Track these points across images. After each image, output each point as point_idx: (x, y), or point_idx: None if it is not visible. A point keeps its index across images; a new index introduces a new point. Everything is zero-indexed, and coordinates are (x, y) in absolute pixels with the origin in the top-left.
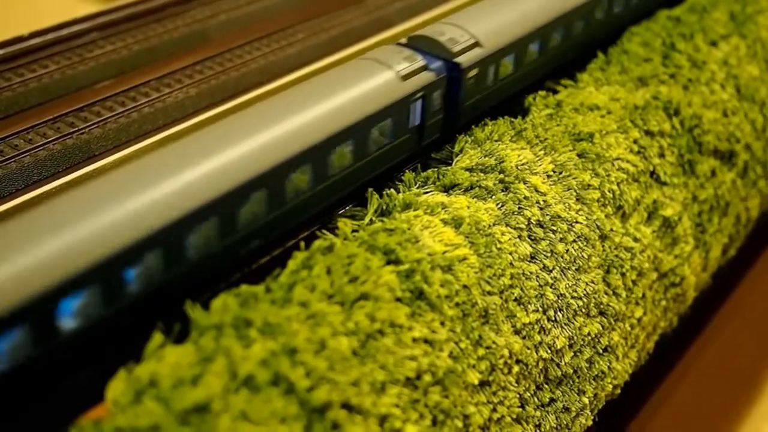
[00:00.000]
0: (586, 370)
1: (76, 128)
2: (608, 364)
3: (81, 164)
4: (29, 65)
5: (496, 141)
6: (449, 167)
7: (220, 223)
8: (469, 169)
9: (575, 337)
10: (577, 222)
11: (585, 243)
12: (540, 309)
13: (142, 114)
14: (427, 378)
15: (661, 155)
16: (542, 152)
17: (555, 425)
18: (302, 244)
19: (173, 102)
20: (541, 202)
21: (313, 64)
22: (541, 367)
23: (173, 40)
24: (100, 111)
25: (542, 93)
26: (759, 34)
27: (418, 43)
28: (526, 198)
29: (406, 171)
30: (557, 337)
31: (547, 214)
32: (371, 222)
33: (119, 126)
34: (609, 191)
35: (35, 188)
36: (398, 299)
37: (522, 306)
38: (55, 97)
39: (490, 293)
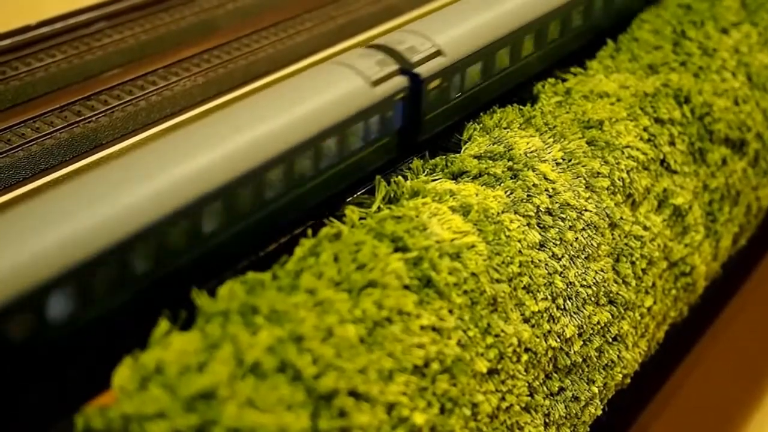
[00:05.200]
0: (595, 359)
1: (84, 117)
2: (618, 353)
3: (88, 153)
4: (37, 54)
5: (504, 128)
6: (458, 155)
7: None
8: (478, 157)
9: (585, 326)
10: (586, 210)
11: (594, 231)
12: (549, 297)
13: (149, 102)
14: (435, 366)
15: (672, 143)
16: (551, 140)
17: (564, 414)
18: (309, 231)
19: (181, 90)
20: (550, 190)
21: (320, 53)
22: (550, 356)
23: (181, 29)
24: (108, 100)
25: (551, 80)
26: None
27: None
28: (535, 185)
29: (414, 158)
30: (566, 326)
31: (556, 202)
32: (379, 209)
33: (126, 114)
34: (619, 179)
35: (43, 176)
36: (406, 287)
37: (531, 294)
38: (62, 86)
39: (498, 281)
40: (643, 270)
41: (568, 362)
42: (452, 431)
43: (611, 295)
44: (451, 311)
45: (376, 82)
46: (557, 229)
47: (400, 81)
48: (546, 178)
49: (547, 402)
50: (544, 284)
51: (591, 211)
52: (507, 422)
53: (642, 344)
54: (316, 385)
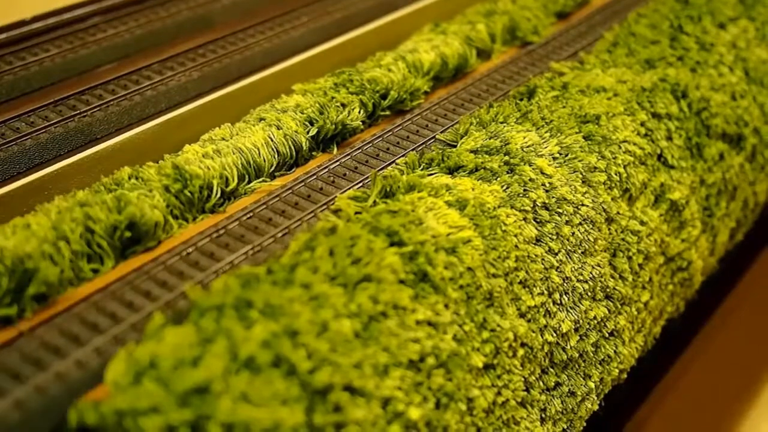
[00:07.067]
0: (592, 354)
1: (78, 111)
2: (614, 348)
3: (83, 147)
4: (31, 49)
5: (501, 123)
6: (454, 149)
7: None
8: (474, 151)
9: (581, 321)
10: (583, 205)
11: (591, 226)
12: (545, 292)
13: (144, 97)
14: (431, 361)
15: (669, 138)
16: (548, 134)
17: (560, 409)
18: (305, 225)
19: (176, 85)
20: (547, 185)
21: (316, 48)
22: (546, 351)
23: (176, 23)
24: (102, 94)
25: (548, 75)
26: None
27: None
28: (531, 180)
29: (410, 152)
30: (563, 321)
31: (553, 197)
32: (375, 203)
33: (121, 109)
34: (615, 174)
35: (37, 171)
36: (401, 281)
37: (527, 289)
38: (57, 80)
39: (494, 276)
40: (639, 265)
41: (565, 357)
42: (448, 426)
43: (608, 290)
44: (446, 306)
45: None
46: (554, 224)
47: None
48: (542, 173)
49: (544, 397)
50: (541, 279)
51: (588, 206)
52: (503, 417)
53: (639, 339)
54: (310, 380)
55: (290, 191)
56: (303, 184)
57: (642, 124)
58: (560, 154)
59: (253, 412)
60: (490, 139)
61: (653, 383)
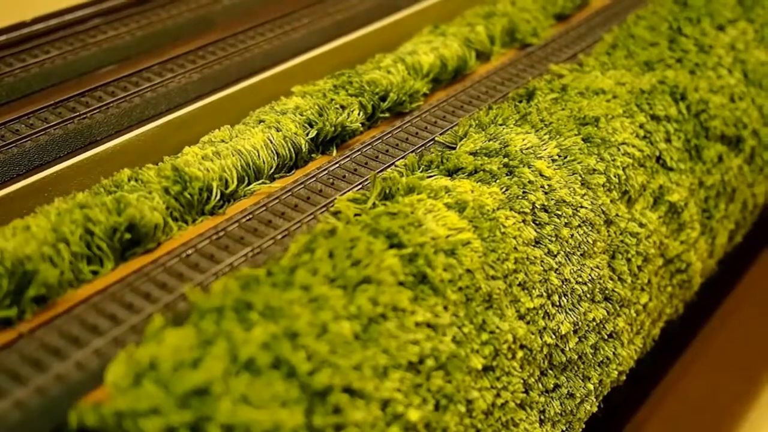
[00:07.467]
0: (591, 356)
1: (78, 113)
2: (613, 350)
3: (82, 149)
4: (32, 50)
5: (500, 125)
6: (453, 151)
7: None
8: (474, 153)
9: (580, 323)
10: (582, 207)
11: (590, 228)
12: (544, 294)
13: (144, 99)
14: (430, 363)
15: (668, 140)
16: (547, 136)
17: (559, 411)
18: (305, 227)
19: (176, 87)
20: (546, 187)
21: (316, 50)
22: (545, 353)
23: (176, 25)
24: (102, 96)
25: (547, 77)
26: (767, 18)
27: None
28: (530, 182)
29: (409, 155)
30: (562, 323)
31: (552, 199)
32: (374, 205)
33: (121, 111)
34: (614, 176)
35: (36, 173)
36: (401, 283)
37: (526, 291)
38: (57, 82)
39: (494, 278)
40: (638, 267)
41: (564, 359)
42: (447, 428)
43: (607, 291)
44: (446, 308)
45: None
46: (553, 226)
47: None
48: (542, 175)
49: (543, 399)
50: (540, 281)
51: (587, 208)
52: (502, 419)
53: (637, 341)
54: (310, 382)
55: (290, 193)
56: (302, 186)
57: (641, 126)
58: (559, 156)
59: (253, 413)
60: (489, 141)
61: (652, 385)
